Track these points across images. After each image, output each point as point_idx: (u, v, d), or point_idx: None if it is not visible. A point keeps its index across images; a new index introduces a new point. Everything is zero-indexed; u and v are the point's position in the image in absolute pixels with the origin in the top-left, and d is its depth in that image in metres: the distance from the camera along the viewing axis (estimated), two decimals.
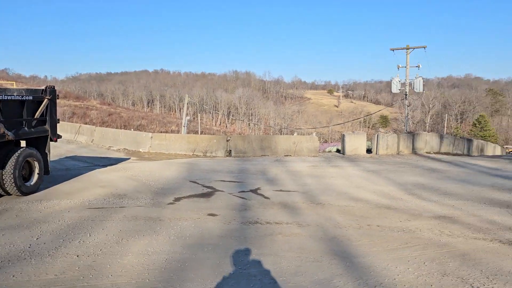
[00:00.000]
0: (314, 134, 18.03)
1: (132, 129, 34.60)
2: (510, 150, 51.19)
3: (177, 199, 7.57)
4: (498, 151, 29.23)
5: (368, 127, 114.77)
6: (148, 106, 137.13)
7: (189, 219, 6.07)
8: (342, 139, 17.44)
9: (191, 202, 7.41)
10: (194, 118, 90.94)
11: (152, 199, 7.51)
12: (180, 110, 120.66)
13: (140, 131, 33.37)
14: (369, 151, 17.79)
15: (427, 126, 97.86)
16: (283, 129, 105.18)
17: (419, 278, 3.72)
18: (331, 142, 72.83)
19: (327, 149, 21.45)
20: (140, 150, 17.57)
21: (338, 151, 18.78)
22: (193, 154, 16.79)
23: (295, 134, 20.23)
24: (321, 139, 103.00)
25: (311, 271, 3.93)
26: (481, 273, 3.83)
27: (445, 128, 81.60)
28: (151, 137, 17.83)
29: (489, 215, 6.53)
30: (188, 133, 33.66)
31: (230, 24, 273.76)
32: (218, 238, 5.12)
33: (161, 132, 59.14)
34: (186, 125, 27.76)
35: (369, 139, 19.09)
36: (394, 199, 8.16)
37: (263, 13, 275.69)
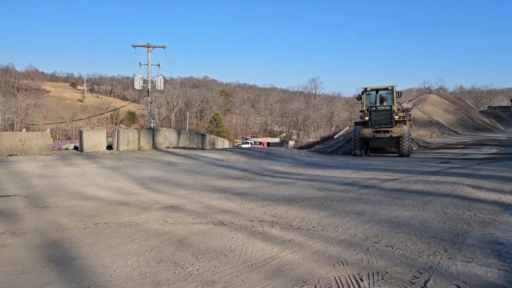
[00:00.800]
0: (48, 130, 16.26)
1: None
2: (238, 144, 60.04)
3: None
4: (226, 144, 33.86)
5: (116, 123, 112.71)
6: None
7: None
8: (80, 135, 16.40)
9: None
10: None
11: None
12: None
13: None
14: (110, 147, 17.38)
15: (172, 123, 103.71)
16: (16, 125, 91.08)
17: (136, 269, 3.80)
18: (76, 139, 67.74)
19: (63, 147, 19.75)
20: None
21: (76, 148, 17.57)
22: None
23: (24, 130, 17.73)
24: (64, 136, 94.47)
25: (16, 285, 3.45)
26: (192, 254, 4.23)
27: (188, 125, 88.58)
28: None
29: (209, 201, 7.36)
30: None
31: None
32: None
33: None
34: None
35: (112, 135, 18.66)
36: (129, 194, 8.19)
37: None
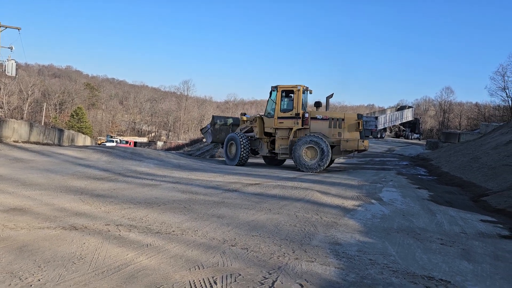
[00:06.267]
0: None
1: None
2: (101, 142, 56.30)
3: None
4: (88, 141, 31.48)
5: None
6: None
7: None
8: None
9: None
10: None
11: None
12: None
13: None
14: None
15: (25, 114, 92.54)
16: None
17: None
18: None
19: None
20: None
21: None
22: None
23: None
24: None
25: None
26: (34, 263, 3.81)
27: (44, 117, 79.91)
28: None
29: (62, 203, 6.74)
30: None
31: None
32: None
33: None
34: None
35: None
36: None
37: None
